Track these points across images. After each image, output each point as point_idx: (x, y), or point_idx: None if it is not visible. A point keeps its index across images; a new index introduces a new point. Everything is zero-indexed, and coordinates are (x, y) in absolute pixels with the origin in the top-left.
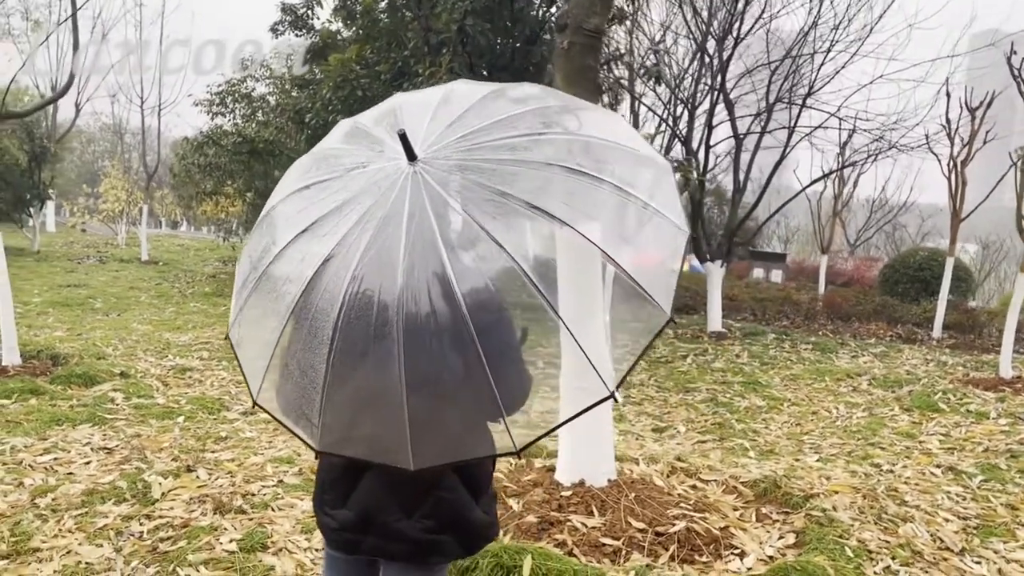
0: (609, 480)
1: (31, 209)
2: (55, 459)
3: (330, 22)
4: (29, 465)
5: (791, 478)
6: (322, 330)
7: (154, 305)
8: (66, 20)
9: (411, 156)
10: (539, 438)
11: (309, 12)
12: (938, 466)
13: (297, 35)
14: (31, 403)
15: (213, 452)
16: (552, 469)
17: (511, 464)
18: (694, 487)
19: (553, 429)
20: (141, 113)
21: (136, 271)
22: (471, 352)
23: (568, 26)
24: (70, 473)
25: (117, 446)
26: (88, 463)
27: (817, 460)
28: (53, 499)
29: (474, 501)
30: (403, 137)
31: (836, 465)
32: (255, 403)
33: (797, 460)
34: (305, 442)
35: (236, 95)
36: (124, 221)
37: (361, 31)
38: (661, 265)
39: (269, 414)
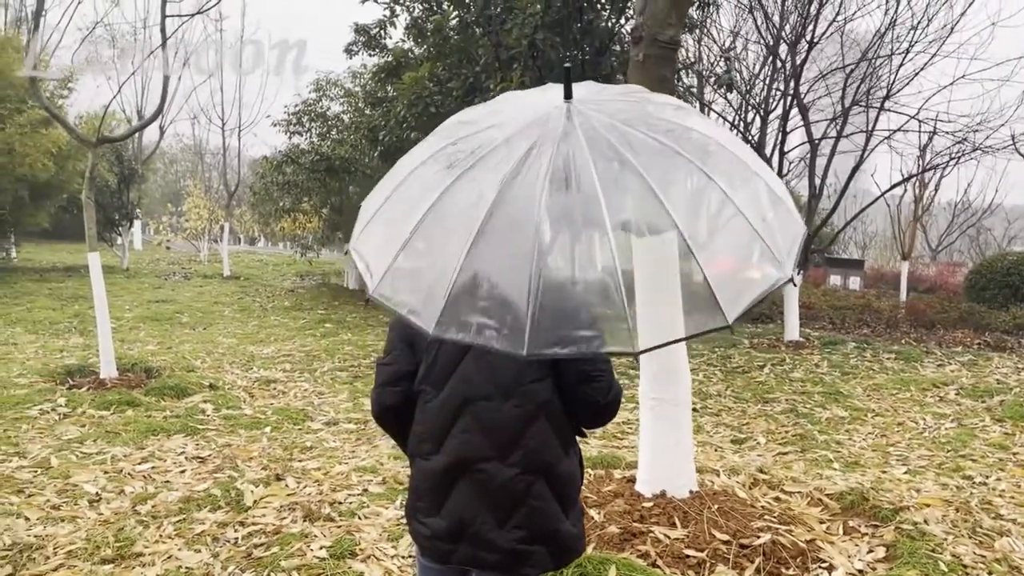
0: (691, 491)
1: (120, 228)
2: (152, 468)
3: (402, 41)
4: (129, 474)
5: (879, 490)
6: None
7: (237, 319)
8: (154, 52)
9: (569, 95)
10: (659, 346)
11: (382, 32)
12: None
13: (370, 55)
14: (128, 414)
15: (300, 461)
16: (632, 480)
17: (591, 474)
18: (777, 499)
19: (672, 342)
20: (222, 134)
21: (219, 286)
22: (608, 258)
23: (643, 38)
24: (167, 481)
25: (209, 455)
26: (183, 471)
27: (905, 472)
28: (152, 506)
29: (564, 513)
30: (567, 71)
31: (926, 477)
32: (367, 299)
33: (884, 472)
34: (420, 327)
35: (312, 114)
36: (206, 238)
37: (433, 49)
38: (741, 274)
39: (382, 304)
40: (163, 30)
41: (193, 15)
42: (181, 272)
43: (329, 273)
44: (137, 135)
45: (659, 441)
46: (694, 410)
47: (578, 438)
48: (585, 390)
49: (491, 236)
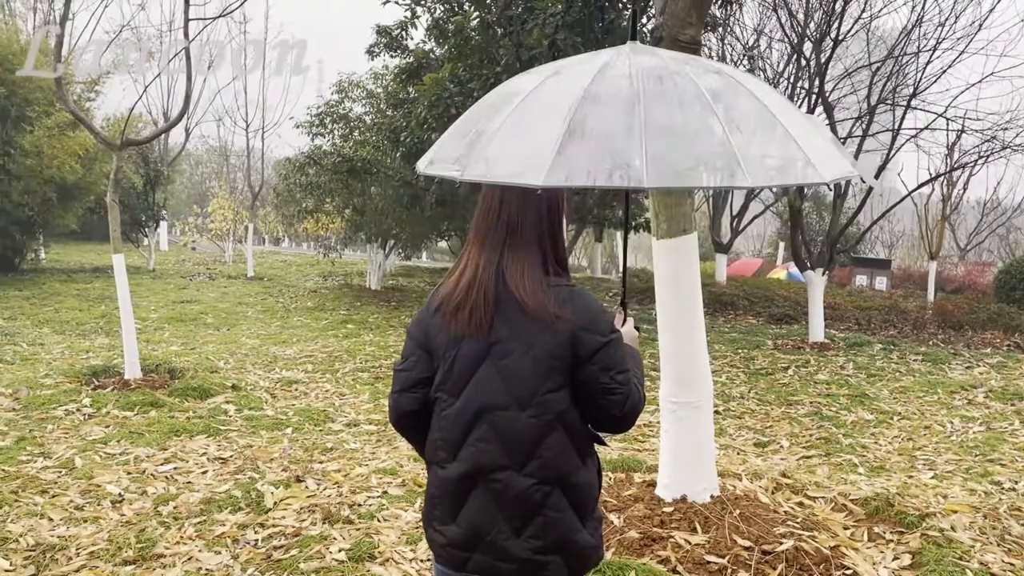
0: (712, 496)
1: (147, 229)
2: (175, 468)
3: (424, 42)
4: (151, 474)
5: (904, 496)
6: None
7: (260, 320)
8: (178, 54)
9: (634, 36)
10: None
11: (403, 33)
12: None
13: (392, 56)
14: (151, 415)
15: (320, 463)
16: (652, 484)
17: (611, 478)
18: (801, 504)
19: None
20: (246, 136)
21: (243, 287)
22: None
23: (664, 38)
24: (189, 482)
25: (231, 456)
26: (205, 472)
27: (932, 477)
28: (174, 507)
29: (581, 523)
30: (633, 14)
31: (953, 483)
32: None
33: (910, 477)
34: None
35: (334, 116)
36: (231, 239)
37: (454, 50)
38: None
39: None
40: (186, 33)
41: (215, 18)
42: (206, 273)
43: (352, 274)
44: (163, 137)
45: (680, 446)
46: (716, 412)
47: (597, 445)
48: (601, 402)
49: (592, 102)
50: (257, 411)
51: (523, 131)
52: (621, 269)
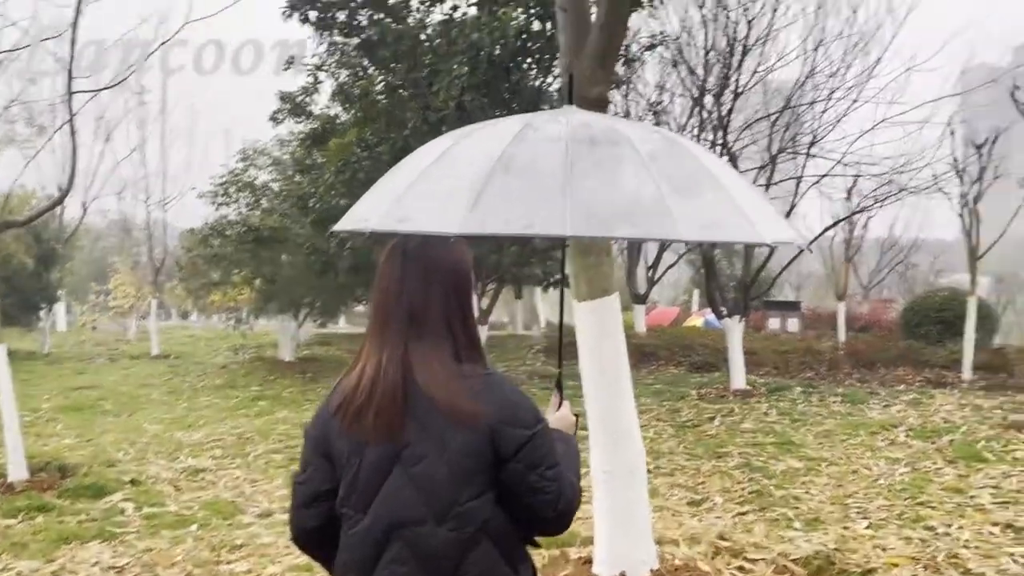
0: (651, 569)
1: (40, 312)
2: None
3: (328, 107)
4: None
5: (844, 551)
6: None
7: (165, 402)
8: (63, 126)
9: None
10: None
11: (308, 98)
12: (995, 524)
13: (297, 121)
14: (38, 521)
15: (228, 563)
16: (589, 560)
17: (545, 556)
18: (742, 569)
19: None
20: (146, 208)
21: (147, 367)
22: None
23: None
24: None
25: (128, 563)
26: None
27: (867, 527)
28: None
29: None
30: (570, 78)
31: (888, 531)
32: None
33: (846, 528)
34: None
35: (239, 184)
36: (135, 316)
37: (360, 113)
38: None
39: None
40: (71, 107)
41: (99, 91)
42: (107, 354)
43: (265, 345)
44: (58, 213)
45: (615, 517)
46: (647, 471)
47: (530, 548)
48: (530, 503)
49: (516, 149)
50: (159, 507)
51: (440, 182)
52: (556, 332)
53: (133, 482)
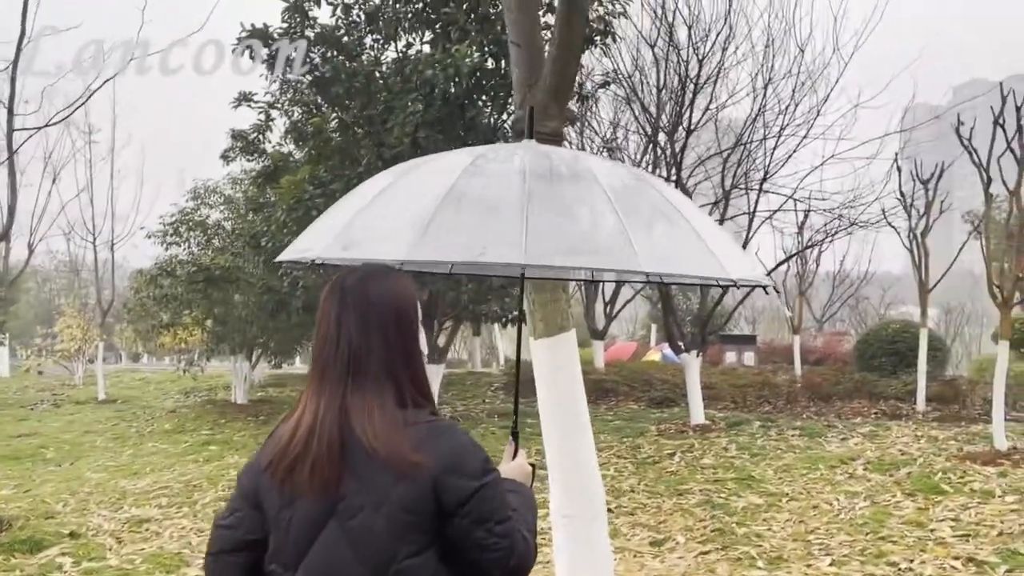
0: None
1: None
2: None
3: (281, 144)
4: None
5: None
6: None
7: (110, 449)
8: (1, 164)
9: (531, 134)
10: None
11: (260, 136)
12: (956, 558)
13: (249, 160)
14: None
15: None
16: None
17: None
18: None
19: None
20: (94, 249)
21: (92, 412)
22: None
23: (524, 132)
24: None
25: None
26: None
27: (830, 564)
28: None
29: None
30: (530, 111)
31: (851, 568)
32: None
33: (809, 566)
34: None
35: (190, 223)
36: (82, 359)
37: (313, 151)
38: None
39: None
40: (10, 145)
41: (39, 128)
42: (51, 399)
43: (217, 387)
44: (2, 254)
45: (576, 565)
46: (608, 510)
47: None
48: (476, 559)
49: (469, 181)
50: (98, 562)
51: (386, 213)
52: (512, 370)
53: (72, 535)
